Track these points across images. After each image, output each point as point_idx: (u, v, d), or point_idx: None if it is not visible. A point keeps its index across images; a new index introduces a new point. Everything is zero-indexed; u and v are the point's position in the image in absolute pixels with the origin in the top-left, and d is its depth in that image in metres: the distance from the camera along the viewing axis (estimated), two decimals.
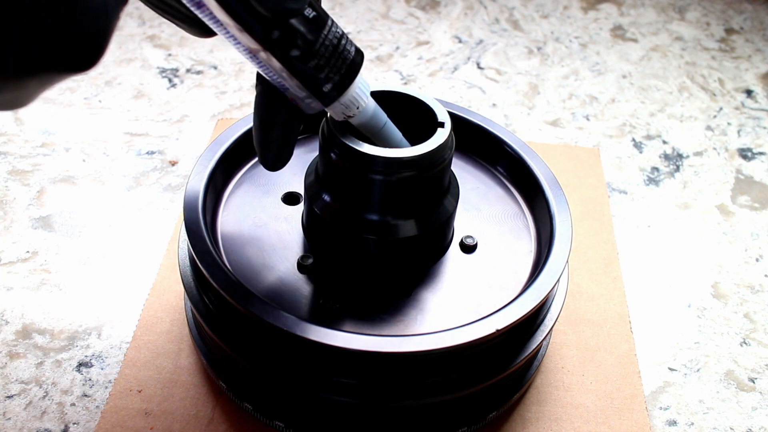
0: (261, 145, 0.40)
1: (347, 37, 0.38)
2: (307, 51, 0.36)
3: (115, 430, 0.45)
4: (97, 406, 0.47)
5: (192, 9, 0.34)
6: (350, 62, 0.38)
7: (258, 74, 0.39)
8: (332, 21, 0.38)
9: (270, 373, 0.42)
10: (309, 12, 0.36)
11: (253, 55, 0.36)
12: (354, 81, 0.39)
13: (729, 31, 0.93)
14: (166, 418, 0.46)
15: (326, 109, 0.40)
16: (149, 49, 0.81)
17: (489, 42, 0.87)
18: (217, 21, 0.35)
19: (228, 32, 0.35)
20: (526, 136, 0.73)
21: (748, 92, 0.82)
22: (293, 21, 0.36)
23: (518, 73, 0.82)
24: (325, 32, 0.37)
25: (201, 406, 0.47)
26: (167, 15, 0.38)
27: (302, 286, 0.45)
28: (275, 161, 0.41)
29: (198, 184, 0.47)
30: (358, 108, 0.40)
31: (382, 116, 0.42)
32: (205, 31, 0.38)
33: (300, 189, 0.50)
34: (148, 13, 0.85)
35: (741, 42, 0.91)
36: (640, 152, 0.73)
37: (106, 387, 0.48)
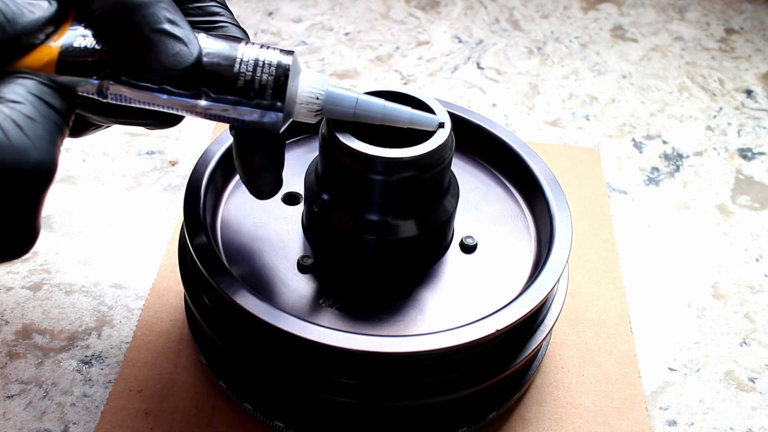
0: (247, 177, 0.41)
1: (267, 46, 0.38)
2: (229, 78, 0.36)
3: (115, 430, 0.45)
4: (97, 406, 0.47)
5: (123, 103, 0.36)
6: (277, 64, 0.37)
7: None
8: (246, 41, 0.38)
9: (270, 373, 0.42)
10: (211, 47, 0.36)
11: (191, 112, 0.37)
12: (290, 78, 0.38)
13: (729, 31, 0.93)
14: (166, 418, 0.46)
15: (293, 118, 0.39)
16: None
17: (489, 42, 0.87)
18: (147, 104, 0.36)
19: (164, 107, 0.36)
20: (526, 136, 0.73)
21: (748, 92, 0.82)
22: (203, 62, 0.36)
23: (518, 73, 0.82)
24: (239, 54, 0.37)
25: (201, 406, 0.47)
26: (121, 122, 0.40)
27: (302, 286, 0.45)
28: (263, 187, 0.41)
29: (198, 184, 0.47)
30: (318, 99, 0.39)
31: (353, 96, 0.40)
32: (166, 121, 0.40)
33: (300, 189, 0.50)
34: None
35: (741, 42, 0.91)
36: (640, 152, 0.73)
37: (106, 387, 0.48)
